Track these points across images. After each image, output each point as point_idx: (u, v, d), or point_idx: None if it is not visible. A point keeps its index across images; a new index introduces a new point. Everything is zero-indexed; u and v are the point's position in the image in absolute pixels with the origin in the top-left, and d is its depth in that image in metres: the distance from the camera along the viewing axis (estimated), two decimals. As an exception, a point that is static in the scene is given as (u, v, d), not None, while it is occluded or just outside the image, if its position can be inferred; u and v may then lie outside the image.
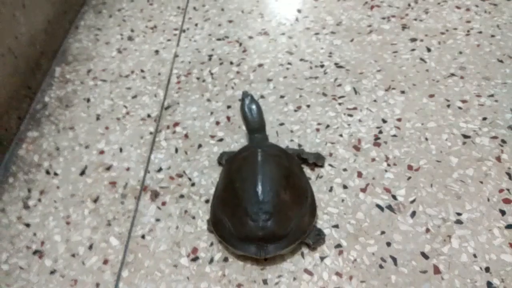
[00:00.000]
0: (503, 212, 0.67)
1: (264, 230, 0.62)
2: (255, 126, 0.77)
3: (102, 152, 0.83)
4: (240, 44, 1.01)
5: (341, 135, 0.80)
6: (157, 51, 1.02)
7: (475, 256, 0.63)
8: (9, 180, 0.81)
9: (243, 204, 0.64)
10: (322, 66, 0.94)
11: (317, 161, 0.75)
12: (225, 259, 0.66)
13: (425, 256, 0.64)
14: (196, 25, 1.08)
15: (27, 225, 0.73)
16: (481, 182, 0.71)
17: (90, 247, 0.70)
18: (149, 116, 0.88)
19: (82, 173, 0.80)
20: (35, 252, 0.70)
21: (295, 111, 0.86)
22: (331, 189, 0.73)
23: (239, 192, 0.65)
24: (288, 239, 0.63)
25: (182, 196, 0.75)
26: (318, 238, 0.66)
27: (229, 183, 0.68)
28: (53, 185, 0.78)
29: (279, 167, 0.67)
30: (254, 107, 0.78)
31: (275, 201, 0.63)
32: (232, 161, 0.72)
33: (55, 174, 0.80)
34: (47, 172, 0.81)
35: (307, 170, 0.76)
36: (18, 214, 0.75)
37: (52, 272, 0.68)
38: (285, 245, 0.63)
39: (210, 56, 0.99)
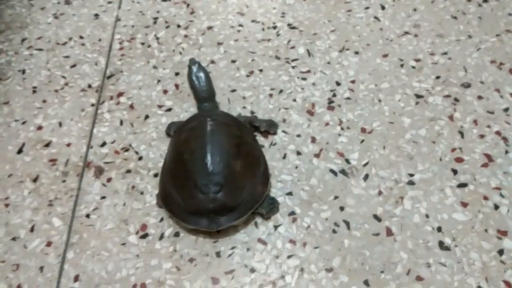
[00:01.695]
0: (455, 171, 0.67)
1: (215, 202, 0.60)
2: (204, 95, 0.73)
3: (40, 127, 0.77)
4: (188, 5, 0.95)
5: (294, 100, 0.78)
6: (97, 15, 0.94)
7: (427, 216, 0.63)
8: None
9: (192, 177, 0.61)
10: (274, 27, 0.90)
11: (269, 128, 0.72)
12: (176, 234, 0.64)
13: (377, 218, 0.64)
14: (140, -14, 1.00)
15: (-40, 210, 0.68)
16: (434, 142, 0.71)
17: (32, 229, 0.65)
18: (90, 86, 0.82)
19: (20, 151, 0.74)
20: (-31, 241, 0.65)
21: (247, 76, 0.82)
22: (284, 156, 0.71)
23: (188, 164, 0.62)
24: (240, 210, 0.61)
25: (129, 171, 0.71)
26: (272, 207, 0.64)
27: (177, 155, 0.65)
28: (-13, 166, 0.73)
29: (230, 136, 0.64)
30: (202, 74, 0.74)
31: (225, 171, 0.61)
32: (180, 132, 0.68)
33: (-10, 153, 0.74)
34: (-20, 152, 0.74)
35: (260, 138, 0.73)
36: (-50, 199, 0.69)
37: (-9, 258, 0.63)
38: (237, 216, 0.61)
39: (155, 19, 0.92)
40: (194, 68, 0.74)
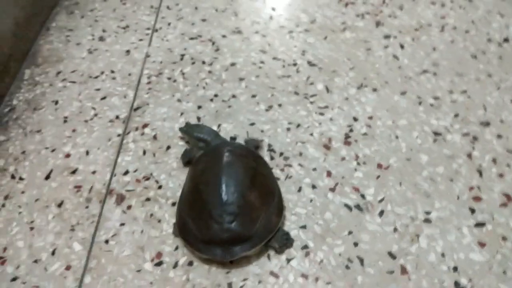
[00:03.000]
0: (472, 210, 0.66)
1: (229, 232, 0.61)
2: (211, 135, 0.76)
3: (68, 155, 0.81)
4: (213, 43, 1.00)
5: (311, 134, 0.79)
6: (128, 51, 1.00)
7: (443, 255, 0.62)
8: (-27, 186, 0.79)
9: (207, 207, 0.62)
10: (295, 64, 0.93)
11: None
12: (190, 263, 0.65)
13: (392, 256, 0.63)
14: (169, 24, 1.06)
15: (-11, 231, 0.72)
16: (451, 180, 0.70)
17: (53, 252, 0.68)
18: (117, 117, 0.87)
19: (47, 177, 0.78)
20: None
21: (267, 110, 0.84)
22: (300, 189, 0.72)
23: (203, 194, 0.64)
24: (254, 240, 0.62)
25: (148, 199, 0.73)
26: (286, 242, 0.65)
27: (193, 185, 0.67)
28: (18, 190, 0.76)
29: (245, 168, 0.66)
30: (196, 127, 0.79)
31: (240, 202, 0.62)
32: (198, 163, 0.70)
33: (20, 178, 0.78)
34: (12, 177, 0.79)
35: (276, 171, 0.74)
36: (-19, 220, 0.73)
37: (14, 279, 0.66)
38: (251, 246, 0.62)
39: (182, 56, 0.97)
40: (186, 127, 0.80)
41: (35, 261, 0.67)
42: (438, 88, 0.84)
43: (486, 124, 0.77)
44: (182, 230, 0.65)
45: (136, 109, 0.88)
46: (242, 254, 0.62)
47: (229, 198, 0.62)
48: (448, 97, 0.82)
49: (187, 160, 0.76)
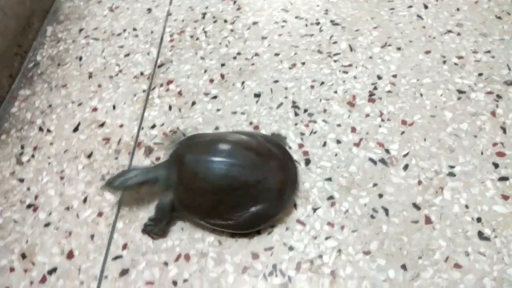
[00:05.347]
0: (496, 165, 0.67)
1: None
2: (148, 171, 0.66)
3: (95, 109, 0.82)
4: (235, 2, 0.99)
5: (335, 92, 0.80)
6: (149, 9, 1.00)
7: (467, 207, 0.64)
8: (1, 137, 0.80)
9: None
10: (317, 23, 0.92)
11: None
12: (219, 211, 0.67)
13: (416, 207, 0.64)
14: (189, -17, 1.05)
15: (21, 180, 0.74)
16: (475, 136, 0.71)
17: (85, 200, 0.70)
18: (142, 74, 0.87)
19: (76, 129, 0.79)
20: (29, 206, 0.70)
21: (290, 68, 0.84)
22: (324, 144, 0.73)
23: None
24: None
25: (175, 151, 0.75)
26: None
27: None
28: (47, 142, 0.78)
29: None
30: (121, 176, 0.66)
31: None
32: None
33: (48, 130, 0.80)
34: (40, 129, 0.80)
35: (300, 126, 0.75)
36: (12, 170, 0.75)
37: (47, 224, 0.68)
38: None
39: (204, 14, 0.97)
40: (112, 181, 0.66)
41: (67, 208, 0.69)
42: (462, 48, 0.84)
43: (510, 83, 0.77)
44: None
45: (159, 66, 0.88)
46: None
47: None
48: (472, 56, 0.82)
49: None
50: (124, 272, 0.62)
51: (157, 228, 0.64)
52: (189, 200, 0.62)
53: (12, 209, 0.70)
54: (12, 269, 0.64)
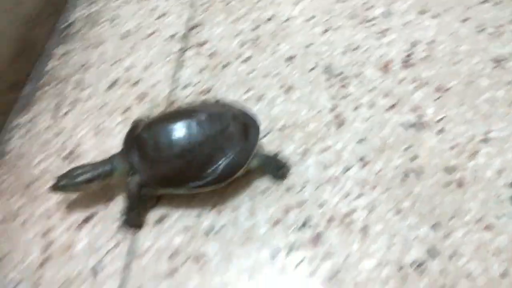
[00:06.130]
0: (531, 133, 0.67)
1: None
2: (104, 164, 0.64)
3: (129, 68, 0.83)
4: (268, -33, 0.98)
5: (369, 57, 0.79)
6: (182, -27, 1.00)
7: (500, 172, 0.63)
8: (37, 93, 0.82)
9: None
10: (351, -10, 0.91)
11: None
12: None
13: (449, 170, 0.64)
14: None
15: (57, 133, 0.76)
16: (511, 104, 0.70)
17: (120, 154, 0.72)
18: (174, 35, 0.88)
19: (110, 87, 0.81)
20: (65, 158, 0.72)
21: (323, 33, 0.84)
22: (357, 108, 0.73)
23: None
24: None
25: (208, 110, 0.76)
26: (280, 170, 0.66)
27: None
28: (82, 97, 0.80)
29: None
30: (72, 172, 0.63)
31: None
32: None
33: (84, 87, 0.82)
34: (76, 86, 0.82)
35: (332, 90, 0.75)
36: (48, 124, 0.77)
37: (84, 176, 0.70)
38: None
39: (237, -21, 0.97)
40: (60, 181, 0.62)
41: (104, 161, 0.71)
42: (499, 17, 0.82)
43: (550, 53, 0.76)
44: None
45: (192, 29, 0.89)
46: None
47: None
48: (509, 26, 0.81)
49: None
50: (160, 220, 0.64)
51: (131, 216, 0.63)
52: (159, 173, 0.61)
53: (49, 161, 0.72)
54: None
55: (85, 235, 0.63)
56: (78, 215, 0.65)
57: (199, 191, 0.63)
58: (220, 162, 0.61)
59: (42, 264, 0.61)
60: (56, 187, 0.61)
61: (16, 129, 0.77)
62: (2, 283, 0.61)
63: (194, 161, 0.60)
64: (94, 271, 0.60)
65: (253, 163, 0.64)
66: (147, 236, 0.62)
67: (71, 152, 0.73)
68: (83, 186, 0.62)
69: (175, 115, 0.64)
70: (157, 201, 0.65)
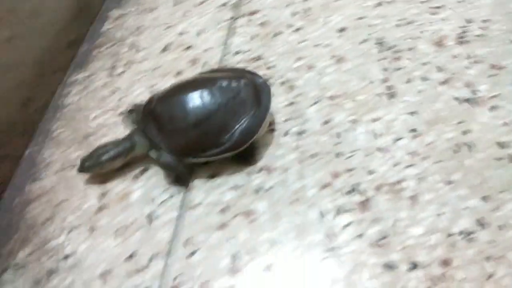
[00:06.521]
0: None
1: None
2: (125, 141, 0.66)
3: (181, 33, 0.86)
4: None
5: (422, 32, 0.79)
6: None
7: (554, 151, 0.63)
8: (93, 53, 0.85)
9: None
10: (406, -35, 0.90)
11: None
12: (300, 133, 0.69)
13: (501, 145, 0.64)
14: None
15: (114, 91, 0.79)
16: None
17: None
18: (226, 3, 0.89)
19: (164, 50, 0.83)
20: (121, 114, 0.75)
21: (376, 6, 0.84)
22: (408, 81, 0.73)
23: None
24: None
25: (259, 77, 0.77)
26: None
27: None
28: (137, 59, 0.83)
29: None
30: (97, 151, 0.66)
31: None
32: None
33: (138, 49, 0.84)
34: (131, 47, 0.85)
35: (384, 62, 0.75)
36: (105, 81, 0.80)
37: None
38: None
39: (289, -50, 0.97)
40: (85, 161, 0.66)
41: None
42: (560, -1, 0.80)
43: None
44: None
45: (244, -3, 0.90)
46: None
47: None
48: None
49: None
50: (212, 176, 0.66)
51: (180, 175, 0.65)
52: (178, 144, 0.63)
53: (105, 116, 0.76)
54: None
55: (140, 186, 0.66)
56: (134, 167, 0.68)
57: (218, 158, 0.64)
58: (235, 128, 0.62)
59: (98, 211, 0.65)
60: (83, 168, 0.64)
61: (75, 84, 0.81)
62: (61, 226, 0.65)
63: (209, 130, 0.62)
64: (149, 219, 0.63)
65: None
66: (199, 190, 0.65)
67: (126, 110, 0.75)
68: (108, 164, 0.65)
69: (186, 86, 0.65)
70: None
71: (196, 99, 0.62)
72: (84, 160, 0.65)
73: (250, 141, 0.64)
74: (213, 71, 0.72)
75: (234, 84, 0.64)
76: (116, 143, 0.65)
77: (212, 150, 0.63)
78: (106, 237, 0.62)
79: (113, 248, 0.61)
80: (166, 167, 0.65)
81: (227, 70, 0.71)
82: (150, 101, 0.66)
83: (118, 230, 0.62)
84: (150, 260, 0.60)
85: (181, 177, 0.66)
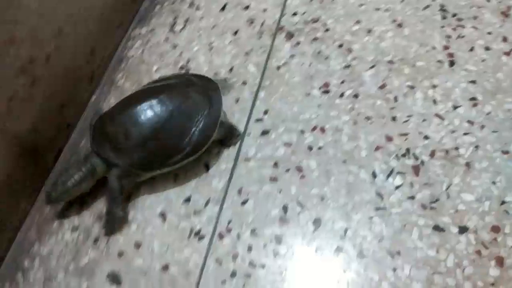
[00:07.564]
0: None
1: None
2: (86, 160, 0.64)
3: (240, -8, 0.86)
4: None
5: (488, 1, 0.76)
6: None
7: None
8: (155, 9, 0.88)
9: None
10: None
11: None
12: (355, 96, 0.69)
13: None
14: None
15: (174, 46, 0.81)
16: None
17: (230, 70, 0.76)
18: (286, -35, 0.89)
19: (222, 9, 0.85)
20: (181, 68, 0.78)
21: (441, -28, 0.81)
22: (471, 49, 0.71)
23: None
24: None
25: (316, 38, 0.77)
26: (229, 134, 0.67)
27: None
28: (197, 16, 0.84)
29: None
30: (62, 176, 0.62)
31: None
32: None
33: (198, 7, 0.86)
34: (191, 5, 0.86)
35: (447, 29, 0.73)
36: (165, 36, 0.83)
37: (195, 87, 0.76)
38: None
39: None
40: (52, 190, 0.62)
41: (215, 74, 0.76)
42: None
43: None
44: None
45: (304, -41, 0.89)
46: None
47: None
48: None
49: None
50: (265, 132, 0.68)
51: (116, 212, 0.62)
52: (139, 158, 0.61)
53: (166, 70, 0.78)
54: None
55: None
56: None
57: (182, 164, 0.63)
58: (193, 130, 0.62)
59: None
60: (50, 201, 0.62)
61: (137, 38, 0.84)
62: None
63: (167, 137, 0.61)
64: (206, 167, 0.66)
65: (220, 131, 0.65)
66: (253, 144, 0.67)
67: (186, 64, 0.78)
68: (75, 189, 0.62)
69: (133, 99, 0.64)
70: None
71: (147, 110, 0.61)
72: (49, 192, 0.61)
73: (210, 141, 0.63)
74: (156, 81, 0.71)
75: (181, 88, 0.64)
76: (77, 167, 0.62)
77: (175, 157, 0.62)
78: (165, 181, 0.66)
79: (171, 191, 0.65)
80: (111, 191, 0.62)
81: (170, 77, 0.71)
82: (99, 121, 0.64)
83: (177, 175, 0.66)
84: (206, 204, 0.63)
85: (112, 220, 0.62)
